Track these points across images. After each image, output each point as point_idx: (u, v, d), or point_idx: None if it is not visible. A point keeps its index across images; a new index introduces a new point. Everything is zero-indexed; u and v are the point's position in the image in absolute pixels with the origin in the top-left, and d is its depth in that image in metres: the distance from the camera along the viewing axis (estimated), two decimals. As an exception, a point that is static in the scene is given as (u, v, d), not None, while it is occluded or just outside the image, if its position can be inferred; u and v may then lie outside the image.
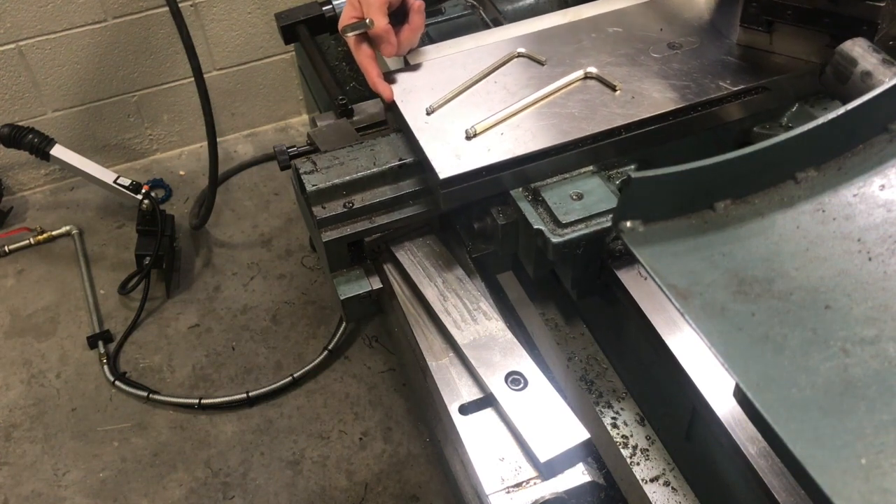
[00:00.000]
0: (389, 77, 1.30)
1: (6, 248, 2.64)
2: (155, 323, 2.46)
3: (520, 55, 1.32)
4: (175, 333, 2.43)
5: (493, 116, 1.20)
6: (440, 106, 1.24)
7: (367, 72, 1.26)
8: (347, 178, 1.21)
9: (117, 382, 2.28)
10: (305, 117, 3.04)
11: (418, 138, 1.19)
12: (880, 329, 0.72)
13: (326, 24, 1.66)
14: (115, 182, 2.46)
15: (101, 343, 2.37)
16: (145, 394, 2.25)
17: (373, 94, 1.31)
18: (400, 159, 1.23)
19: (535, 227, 1.10)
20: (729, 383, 0.96)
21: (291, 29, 1.67)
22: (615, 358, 1.26)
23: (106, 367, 2.31)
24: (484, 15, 1.63)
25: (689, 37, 1.33)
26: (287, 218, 2.72)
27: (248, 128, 3.02)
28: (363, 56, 1.27)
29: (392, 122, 1.34)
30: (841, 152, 0.85)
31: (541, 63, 1.30)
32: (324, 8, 1.65)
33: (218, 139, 2.37)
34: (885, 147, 0.85)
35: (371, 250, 1.27)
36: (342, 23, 1.28)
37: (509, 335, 1.14)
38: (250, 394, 2.23)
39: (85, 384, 2.32)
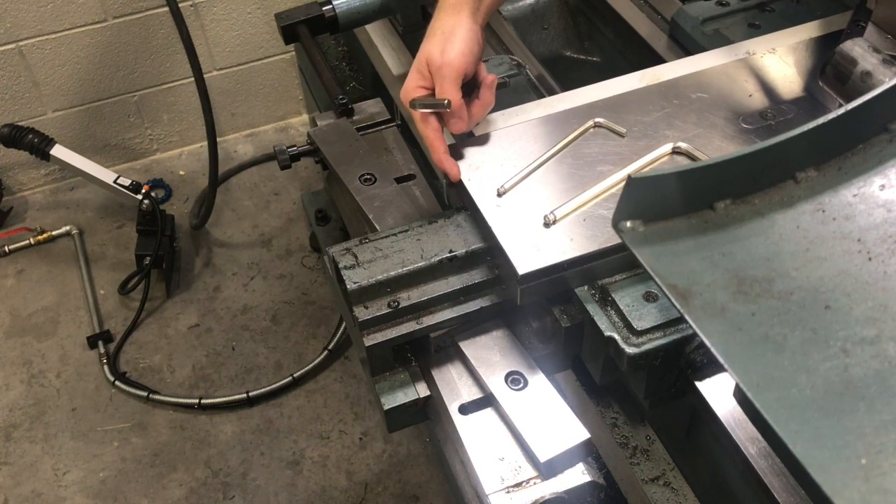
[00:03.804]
0: (454, 151, 1.17)
1: (6, 248, 2.64)
2: (155, 323, 2.46)
3: (597, 125, 1.20)
4: (175, 333, 2.43)
5: (574, 200, 1.08)
6: (513, 186, 1.12)
7: (434, 148, 1.15)
8: (393, 273, 1.07)
9: (117, 382, 2.28)
10: (305, 117, 3.04)
11: (491, 225, 1.07)
12: (880, 329, 0.72)
13: (326, 24, 1.66)
14: (115, 182, 2.46)
15: (101, 343, 2.37)
16: (145, 394, 2.25)
17: (373, 94, 1.30)
18: (450, 251, 1.10)
19: (607, 334, 0.99)
20: (729, 383, 0.96)
21: (291, 29, 1.67)
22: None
23: (106, 367, 2.31)
24: (531, 75, 1.50)
25: (782, 104, 1.21)
26: (287, 218, 2.72)
27: (248, 128, 3.02)
28: (430, 130, 1.15)
29: (454, 200, 1.22)
30: (841, 152, 0.85)
31: (621, 135, 1.18)
32: (324, 8, 1.65)
33: (218, 139, 2.37)
34: (885, 147, 0.85)
35: (437, 346, 1.14)
36: (409, 92, 1.17)
37: (509, 335, 1.14)
38: (250, 394, 2.23)
39: (85, 384, 2.32)
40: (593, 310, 1.02)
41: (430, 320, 1.09)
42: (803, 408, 0.66)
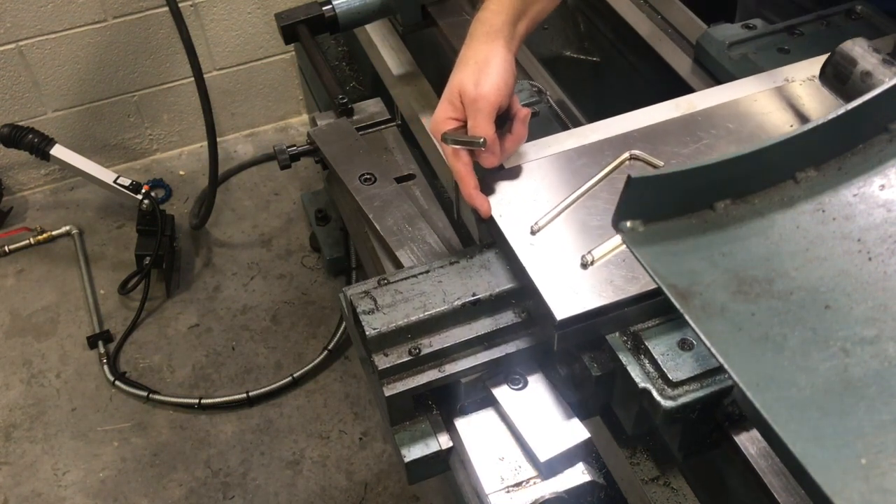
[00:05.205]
0: (484, 185, 1.12)
1: (6, 248, 2.64)
2: (155, 323, 2.46)
3: (633, 158, 1.14)
4: (175, 333, 2.43)
5: (612, 240, 1.02)
6: (547, 223, 1.06)
7: (464, 182, 1.10)
8: (414, 318, 1.01)
9: (117, 382, 2.28)
10: (305, 117, 3.04)
11: (525, 266, 1.01)
12: (880, 329, 0.71)
13: (326, 24, 1.66)
14: (115, 182, 2.46)
15: (101, 343, 2.37)
16: (145, 394, 2.25)
17: (373, 94, 1.29)
18: (473, 294, 1.03)
19: (642, 386, 0.93)
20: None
21: (291, 29, 1.67)
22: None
23: (106, 367, 2.32)
24: (552, 102, 1.45)
25: None
26: (287, 218, 2.72)
27: (248, 128, 3.02)
28: (461, 164, 1.10)
29: (485, 237, 1.16)
30: (841, 152, 0.85)
31: (657, 168, 1.12)
32: (324, 8, 1.65)
33: (218, 139, 2.37)
34: (885, 147, 0.85)
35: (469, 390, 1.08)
36: (439, 124, 1.12)
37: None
38: (250, 394, 2.23)
39: (85, 384, 2.32)
40: (626, 359, 0.96)
41: (452, 368, 1.03)
42: (803, 408, 0.66)
